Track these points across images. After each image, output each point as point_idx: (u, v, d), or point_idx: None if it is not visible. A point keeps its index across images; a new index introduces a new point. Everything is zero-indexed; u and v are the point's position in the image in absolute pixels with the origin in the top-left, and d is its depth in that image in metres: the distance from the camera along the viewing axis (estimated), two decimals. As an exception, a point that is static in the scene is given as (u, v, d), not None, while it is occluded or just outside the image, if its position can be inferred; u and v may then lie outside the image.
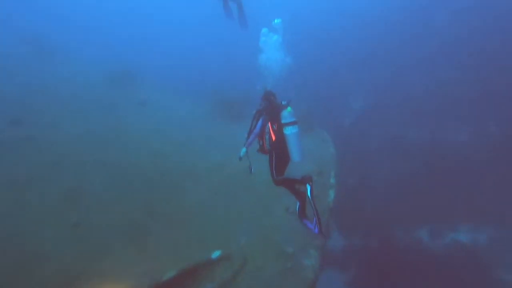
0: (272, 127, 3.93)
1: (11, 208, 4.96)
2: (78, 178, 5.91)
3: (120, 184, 5.97)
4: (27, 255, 4.16)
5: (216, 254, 4.65)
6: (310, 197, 3.78)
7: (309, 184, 3.79)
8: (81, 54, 14.62)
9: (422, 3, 16.51)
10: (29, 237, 4.45)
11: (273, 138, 3.90)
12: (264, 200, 5.84)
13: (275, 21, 4.01)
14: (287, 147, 3.80)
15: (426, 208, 11.01)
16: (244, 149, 4.00)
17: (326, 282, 9.06)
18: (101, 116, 8.76)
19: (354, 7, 19.65)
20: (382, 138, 14.11)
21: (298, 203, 4.02)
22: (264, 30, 4.11)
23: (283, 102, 3.94)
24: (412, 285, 8.84)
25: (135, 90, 11.29)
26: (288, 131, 3.77)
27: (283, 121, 3.79)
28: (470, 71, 13.45)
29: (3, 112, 7.87)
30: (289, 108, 3.85)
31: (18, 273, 3.87)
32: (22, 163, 6.09)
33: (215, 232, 5.07)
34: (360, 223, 11.10)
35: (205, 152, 7.76)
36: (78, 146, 7.03)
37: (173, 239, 4.84)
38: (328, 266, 9.70)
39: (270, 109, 4.00)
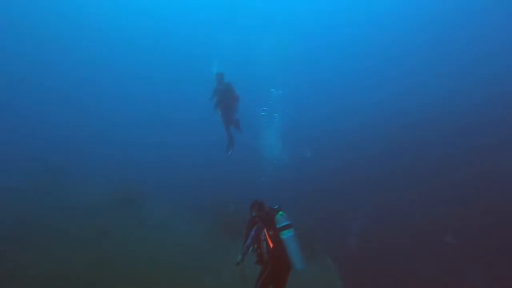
0: (268, 234, 3.79)
1: None
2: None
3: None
4: None
5: None
6: None
7: None
8: (87, 181, 15.03)
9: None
10: None
11: (271, 244, 3.72)
12: None
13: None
14: (286, 254, 3.58)
15: None
16: (240, 256, 3.88)
17: None
18: (94, 243, 8.42)
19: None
20: (389, 267, 12.92)
21: None
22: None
23: (274, 207, 3.95)
24: None
25: (133, 210, 11.32)
26: (285, 235, 3.63)
27: (278, 226, 3.70)
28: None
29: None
30: (281, 212, 3.84)
31: None
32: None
33: None
34: None
35: (200, 279, 7.06)
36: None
37: None
38: None
39: (263, 215, 3.95)
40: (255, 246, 3.96)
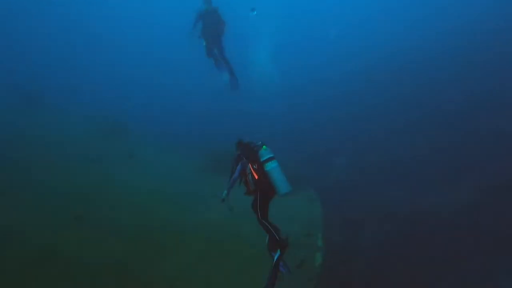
0: (253, 167, 4.16)
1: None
2: (50, 238, 5.47)
3: (94, 245, 5.55)
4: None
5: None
6: (274, 262, 3.95)
7: (280, 251, 3.98)
8: (71, 106, 14.79)
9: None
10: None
11: (256, 176, 4.11)
12: (250, 269, 5.48)
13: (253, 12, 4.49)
14: (271, 183, 4.01)
15: (415, 274, 10.71)
16: (225, 191, 4.28)
17: None
18: (84, 169, 8.54)
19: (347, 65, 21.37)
20: (366, 195, 14.26)
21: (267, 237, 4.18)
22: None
23: (257, 143, 4.30)
24: None
25: (122, 141, 11.31)
26: (269, 166, 4.02)
27: (262, 159, 4.06)
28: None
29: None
30: (264, 146, 4.19)
31: None
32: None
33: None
34: (346, 284, 10.57)
35: (193, 209, 7.53)
36: (54, 199, 6.69)
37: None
38: None
39: (248, 151, 4.29)
40: (242, 180, 4.35)
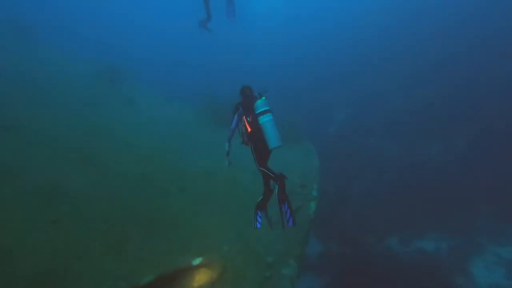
0: (246, 120, 4.14)
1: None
2: (57, 174, 5.69)
3: (101, 184, 5.86)
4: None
5: (196, 261, 4.69)
6: (277, 194, 4.06)
7: (278, 184, 4.08)
8: (67, 46, 14.17)
9: (410, 25, 17.33)
10: (1, 232, 4.26)
11: (249, 129, 4.11)
12: (249, 211, 5.90)
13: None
14: (263, 137, 3.98)
15: (400, 217, 11.60)
16: (226, 144, 4.34)
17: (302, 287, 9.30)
18: (85, 112, 8.53)
19: (348, 19, 20.23)
20: (362, 148, 14.70)
21: (261, 196, 4.31)
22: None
23: (256, 94, 4.19)
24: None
25: (122, 87, 11.09)
26: (262, 119, 3.97)
27: (256, 111, 4.00)
28: (447, 91, 14.30)
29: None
30: (263, 98, 4.09)
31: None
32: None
33: (197, 240, 5.11)
34: (338, 232, 11.50)
35: (192, 158, 7.75)
36: (58, 140, 6.79)
37: (153, 244, 4.83)
38: (305, 271, 9.93)
39: (245, 102, 4.24)
40: (238, 130, 4.34)
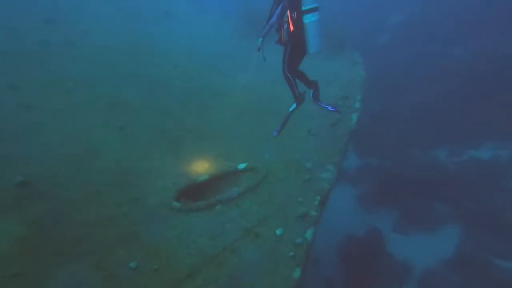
0: (291, 16, 3.66)
1: (62, 106, 5.48)
2: (114, 87, 6.31)
3: (152, 97, 6.35)
4: (82, 149, 4.77)
5: (242, 165, 5.22)
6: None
7: (296, 105, 4.09)
8: None
9: None
10: (81, 135, 5.04)
11: (291, 28, 3.68)
12: (288, 122, 6.07)
13: None
14: (305, 39, 3.61)
15: (452, 128, 10.65)
16: (260, 39, 3.95)
17: (338, 195, 9.87)
18: (127, 26, 8.59)
19: None
20: (413, 55, 13.00)
21: (312, 91, 4.25)
22: None
23: None
24: (421, 198, 9.13)
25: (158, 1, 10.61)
26: (308, 19, 3.53)
27: (303, 8, 3.52)
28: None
29: (38, 12, 7.97)
30: None
31: (76, 164, 4.50)
32: (63, 65, 6.46)
33: (241, 149, 5.53)
34: (378, 146, 11.29)
35: (232, 73, 7.74)
36: (111, 56, 7.21)
37: (203, 151, 5.42)
38: (342, 182, 10.30)
39: None
40: (277, 25, 3.91)
